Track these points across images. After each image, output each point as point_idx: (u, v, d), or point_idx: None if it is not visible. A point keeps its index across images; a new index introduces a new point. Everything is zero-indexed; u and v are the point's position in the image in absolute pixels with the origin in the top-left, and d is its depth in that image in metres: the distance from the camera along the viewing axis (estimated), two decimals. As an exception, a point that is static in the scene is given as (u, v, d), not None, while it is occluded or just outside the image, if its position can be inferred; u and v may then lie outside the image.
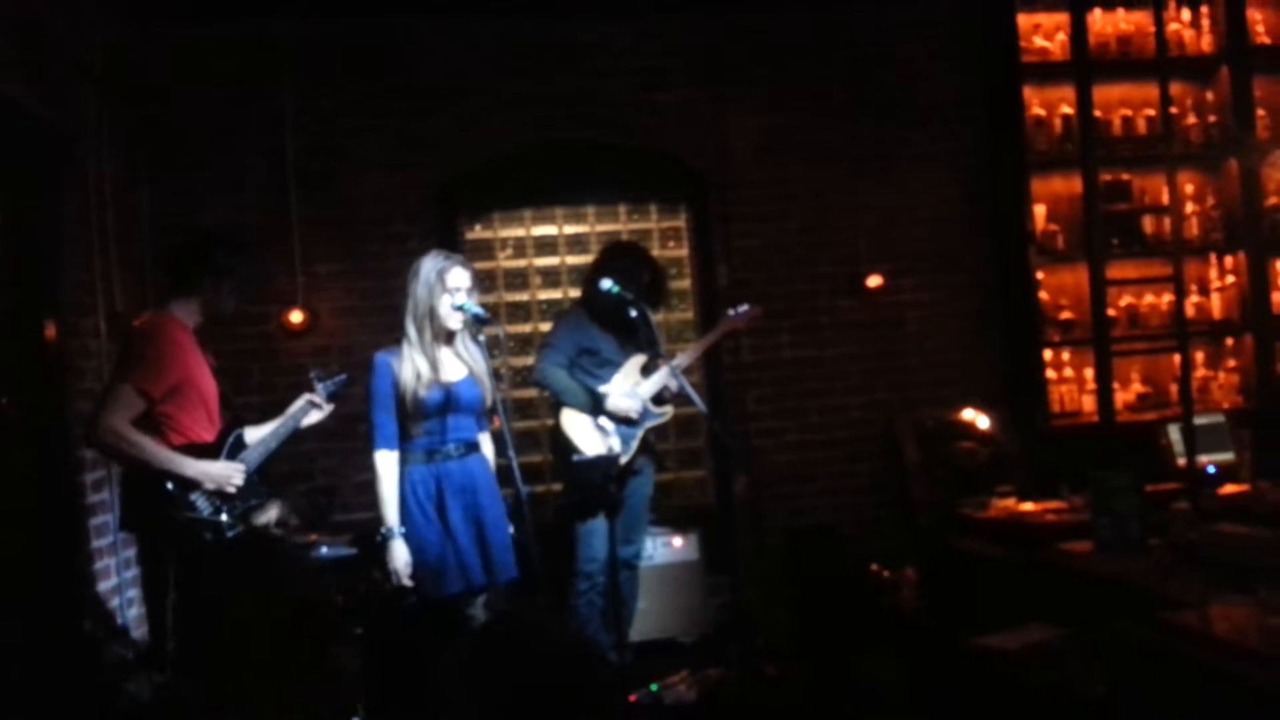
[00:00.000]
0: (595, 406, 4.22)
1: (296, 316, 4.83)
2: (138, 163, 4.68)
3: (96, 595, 3.92)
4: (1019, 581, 3.82)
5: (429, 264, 3.39)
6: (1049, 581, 3.64)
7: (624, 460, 4.17)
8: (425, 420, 3.37)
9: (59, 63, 3.98)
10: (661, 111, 5.18)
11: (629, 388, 4.27)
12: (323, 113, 4.93)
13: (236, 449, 3.36)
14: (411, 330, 3.37)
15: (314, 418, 3.50)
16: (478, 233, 5.29)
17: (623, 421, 4.22)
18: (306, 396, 3.48)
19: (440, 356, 3.39)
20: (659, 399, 4.30)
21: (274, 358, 4.87)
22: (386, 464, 3.35)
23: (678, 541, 4.89)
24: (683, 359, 4.32)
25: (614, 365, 4.30)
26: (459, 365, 3.44)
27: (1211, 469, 4.33)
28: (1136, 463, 3.81)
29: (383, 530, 3.34)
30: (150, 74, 4.71)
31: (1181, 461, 4.29)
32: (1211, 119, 5.34)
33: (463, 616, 3.40)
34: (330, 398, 3.53)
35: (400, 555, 3.31)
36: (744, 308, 4.51)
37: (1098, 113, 5.18)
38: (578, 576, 4.26)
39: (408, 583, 3.31)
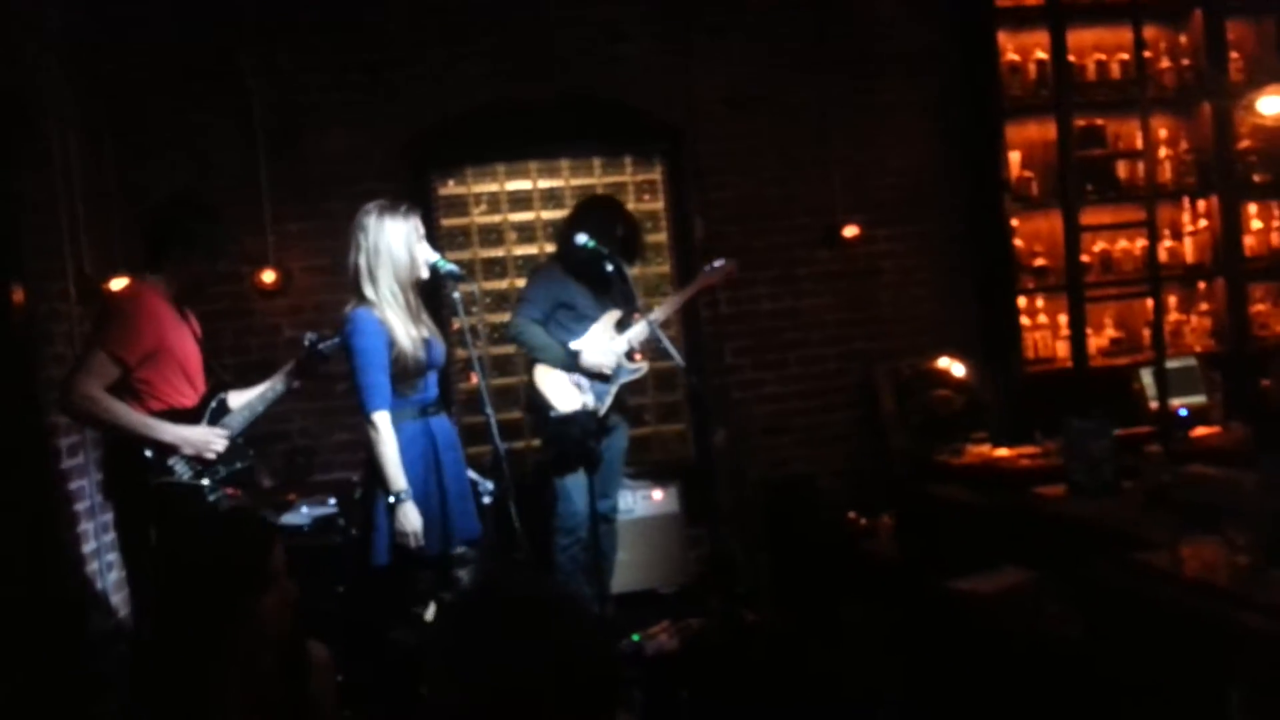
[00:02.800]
0: (570, 362, 4.21)
1: (269, 276, 4.77)
2: (99, 124, 4.59)
3: (75, 560, 3.90)
4: (994, 526, 3.87)
5: (393, 216, 3.26)
6: (1024, 525, 3.69)
7: (600, 414, 4.18)
8: (415, 378, 3.32)
9: (10, 24, 3.88)
10: (628, 64, 5.11)
11: (604, 343, 4.26)
12: (284, 70, 4.83)
13: (219, 414, 3.33)
14: (388, 287, 3.24)
15: (295, 384, 3.46)
16: (451, 188, 5.24)
17: (597, 377, 4.23)
18: (291, 365, 3.44)
19: (419, 310, 3.35)
20: (633, 354, 4.30)
21: (248, 318, 4.83)
22: (389, 424, 3.22)
23: (658, 494, 4.92)
24: (659, 314, 4.32)
25: (590, 320, 4.29)
26: (427, 320, 3.41)
27: (1184, 412, 4.39)
28: (1110, 407, 3.85)
29: (395, 493, 3.20)
30: (106, 33, 4.59)
31: (1154, 405, 4.34)
32: (1185, 62, 5.33)
33: (448, 575, 3.39)
34: (322, 360, 3.47)
35: (415, 518, 3.20)
36: (719, 263, 4.51)
37: (1072, 57, 5.16)
38: (559, 532, 4.29)
39: (422, 543, 3.21)
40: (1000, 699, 3.24)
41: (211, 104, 4.80)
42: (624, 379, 4.30)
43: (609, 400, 4.25)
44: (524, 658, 1.31)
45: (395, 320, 3.24)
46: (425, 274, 3.33)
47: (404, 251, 3.25)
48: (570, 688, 1.31)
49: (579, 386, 4.22)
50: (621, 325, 4.32)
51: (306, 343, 3.44)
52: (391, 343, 3.22)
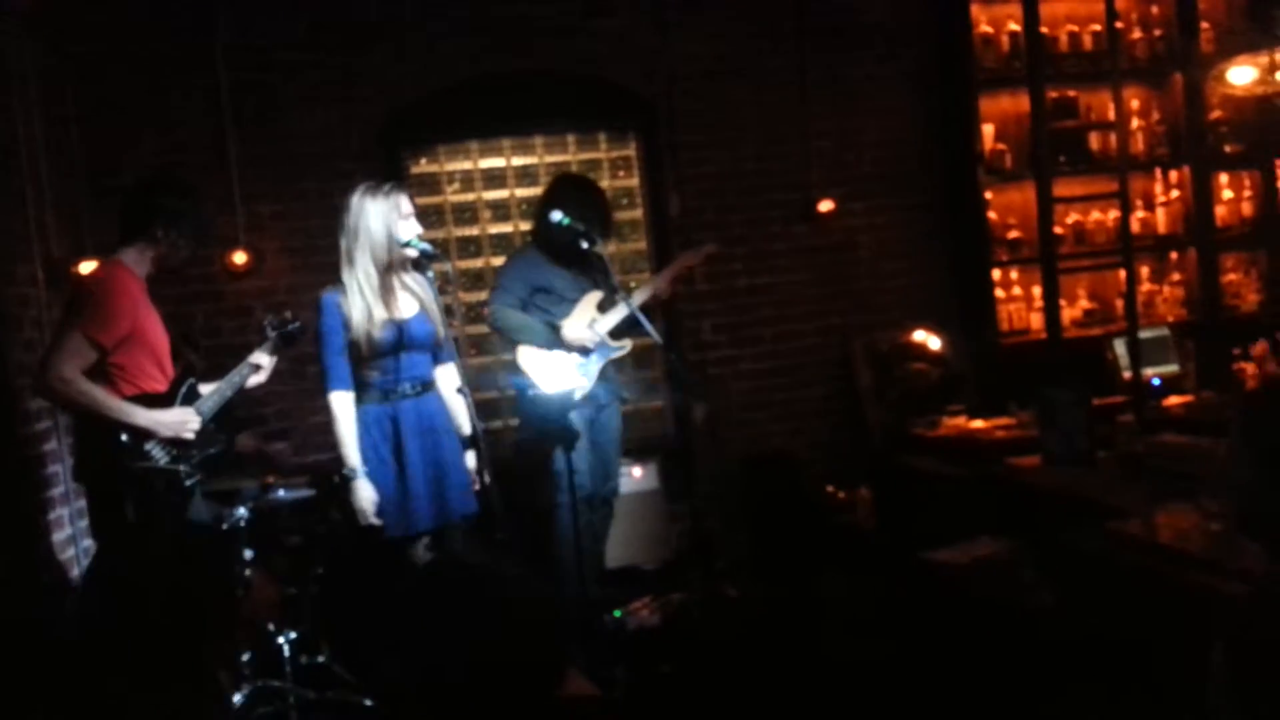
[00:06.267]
0: (553, 341, 4.18)
1: (240, 258, 4.73)
2: (65, 104, 4.51)
3: (51, 546, 3.87)
4: (970, 497, 3.90)
5: (375, 197, 3.26)
6: (999, 496, 3.73)
7: (585, 388, 4.15)
8: (379, 359, 3.30)
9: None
10: (604, 38, 5.08)
11: (585, 323, 4.23)
12: (255, 48, 4.77)
13: (190, 399, 3.30)
14: (369, 267, 3.24)
15: (257, 379, 3.44)
16: (423, 167, 5.19)
17: (579, 352, 4.20)
18: (254, 355, 3.42)
19: (394, 292, 3.33)
20: (616, 333, 4.27)
21: (218, 300, 4.78)
22: (343, 404, 3.27)
23: (637, 472, 4.92)
24: (639, 297, 4.23)
25: (569, 302, 4.23)
26: (410, 300, 3.38)
27: (1156, 381, 4.43)
28: (1083, 378, 3.88)
29: (345, 471, 3.26)
30: (71, 9, 4.51)
31: (1127, 375, 4.38)
32: (1157, 33, 5.35)
33: (406, 558, 3.38)
34: (286, 342, 3.46)
35: (366, 494, 3.25)
36: (700, 247, 4.49)
37: (1044, 29, 5.15)
38: (559, 509, 4.18)
39: (375, 521, 3.25)
40: (977, 667, 3.28)
41: (180, 83, 4.73)
42: (607, 356, 4.27)
43: (594, 375, 4.21)
44: (477, 627, 1.41)
45: (358, 302, 3.24)
46: (410, 252, 3.30)
47: (382, 231, 3.25)
48: (517, 655, 1.41)
49: (562, 365, 4.19)
50: (603, 307, 4.28)
51: (269, 327, 3.42)
52: (346, 324, 3.23)
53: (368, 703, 3.44)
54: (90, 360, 3.11)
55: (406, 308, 3.34)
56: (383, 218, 3.24)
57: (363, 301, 3.24)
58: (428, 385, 3.40)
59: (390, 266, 3.28)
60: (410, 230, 3.28)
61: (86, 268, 3.79)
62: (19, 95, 4.06)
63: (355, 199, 3.28)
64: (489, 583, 1.44)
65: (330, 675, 3.60)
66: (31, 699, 3.26)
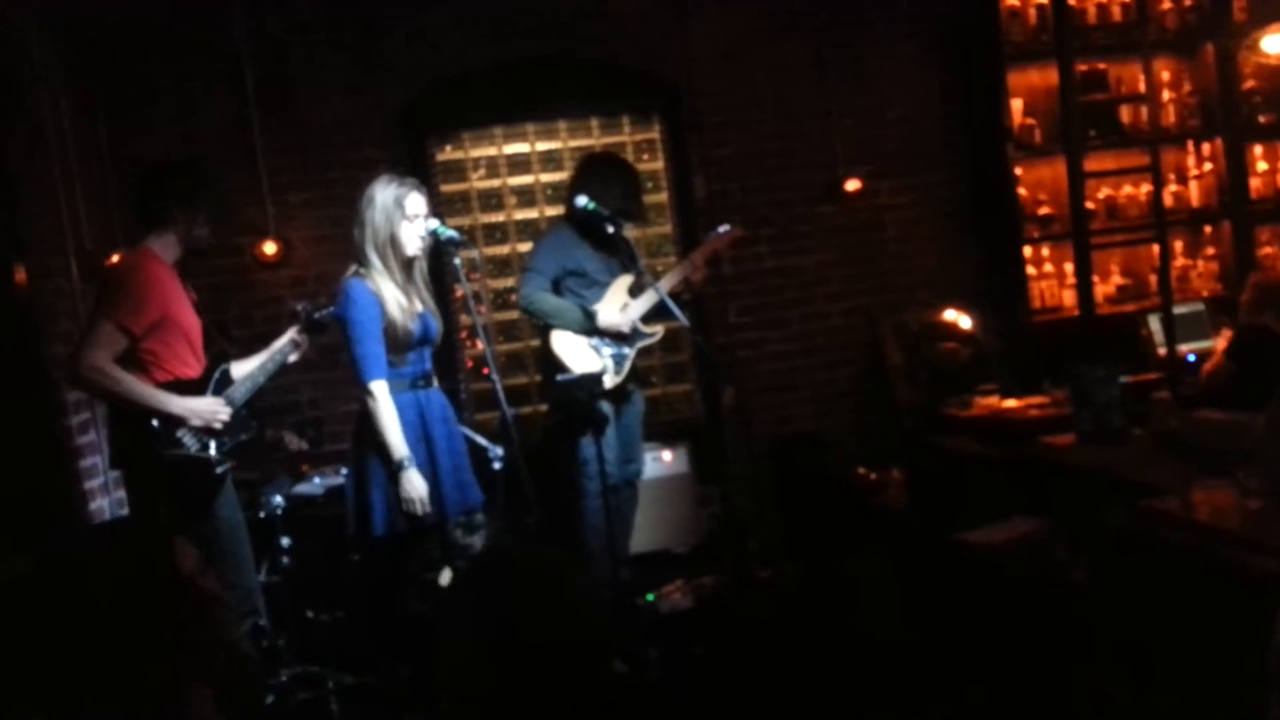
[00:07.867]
0: (588, 326, 4.17)
1: (270, 248, 4.76)
2: (92, 97, 4.55)
3: (91, 537, 3.92)
4: (1003, 477, 3.87)
5: (384, 190, 3.26)
6: (1032, 475, 3.70)
7: (617, 381, 4.15)
8: (407, 350, 3.31)
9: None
10: (623, 19, 5.05)
11: (618, 308, 4.22)
12: (277, 35, 4.78)
13: (222, 385, 3.33)
14: (375, 259, 3.24)
15: (295, 357, 3.46)
16: (448, 154, 5.20)
17: (615, 339, 4.19)
18: (291, 333, 3.44)
19: (409, 286, 3.33)
20: (645, 318, 4.26)
21: (250, 290, 4.82)
22: (386, 393, 3.22)
23: (667, 455, 4.93)
24: (665, 283, 4.21)
25: (601, 285, 4.22)
26: (416, 299, 3.38)
27: (1192, 357, 4.38)
28: (1118, 354, 3.84)
29: (397, 461, 3.18)
30: (94, 3, 4.54)
31: (1162, 351, 4.33)
32: (1187, 3, 5.25)
33: (449, 543, 3.40)
34: (317, 329, 3.48)
35: (419, 484, 3.20)
36: (725, 228, 4.44)
37: (1072, 1, 5.08)
38: (587, 495, 4.20)
39: (423, 510, 3.20)
40: (1011, 647, 3.26)
41: (203, 72, 4.76)
42: (641, 343, 4.26)
43: (627, 366, 4.21)
44: (530, 616, 1.44)
45: (387, 290, 3.24)
46: (410, 251, 3.29)
47: (385, 226, 3.24)
48: (567, 644, 1.44)
49: (596, 350, 4.18)
50: (634, 291, 4.27)
51: (301, 313, 3.44)
52: (383, 312, 3.22)
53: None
54: (121, 348, 3.13)
55: (418, 304, 3.35)
56: (386, 214, 3.24)
57: (392, 293, 3.25)
58: (431, 380, 3.41)
59: (399, 262, 3.27)
60: (420, 231, 3.27)
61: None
62: (46, 87, 4.09)
63: (370, 190, 3.28)
64: (541, 572, 1.47)
65: (367, 660, 3.63)
66: (72, 682, 3.32)
